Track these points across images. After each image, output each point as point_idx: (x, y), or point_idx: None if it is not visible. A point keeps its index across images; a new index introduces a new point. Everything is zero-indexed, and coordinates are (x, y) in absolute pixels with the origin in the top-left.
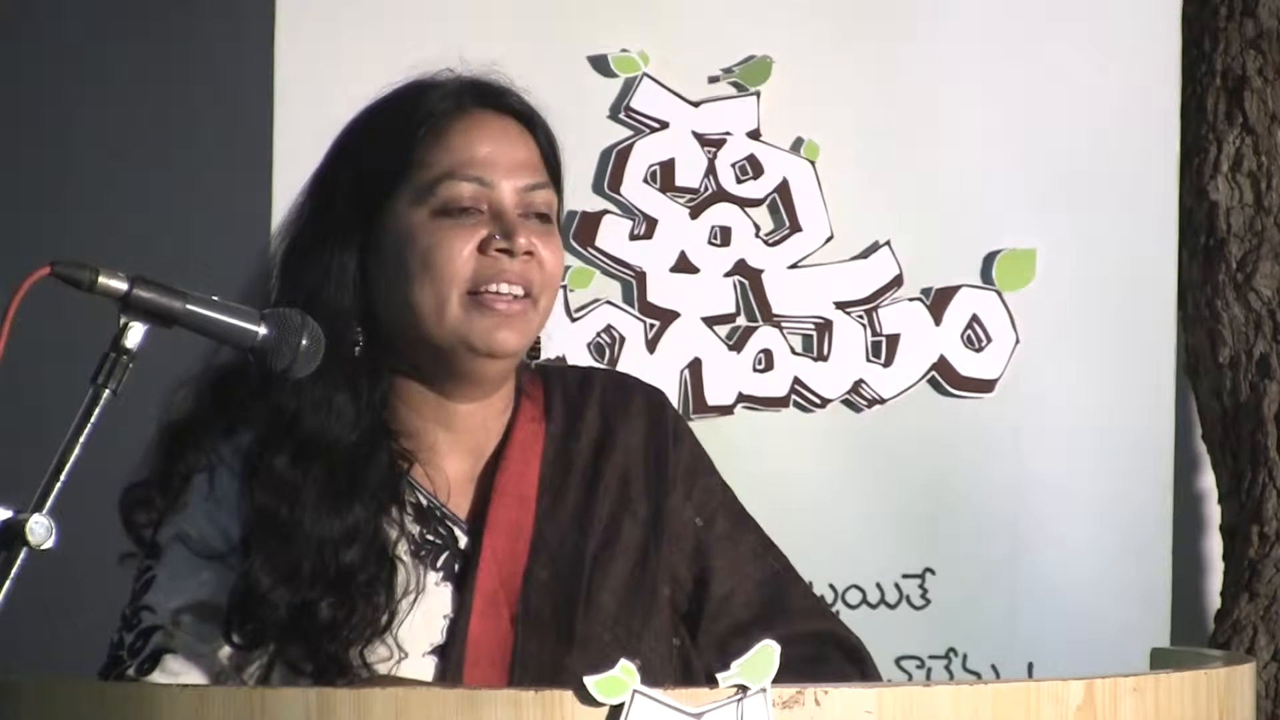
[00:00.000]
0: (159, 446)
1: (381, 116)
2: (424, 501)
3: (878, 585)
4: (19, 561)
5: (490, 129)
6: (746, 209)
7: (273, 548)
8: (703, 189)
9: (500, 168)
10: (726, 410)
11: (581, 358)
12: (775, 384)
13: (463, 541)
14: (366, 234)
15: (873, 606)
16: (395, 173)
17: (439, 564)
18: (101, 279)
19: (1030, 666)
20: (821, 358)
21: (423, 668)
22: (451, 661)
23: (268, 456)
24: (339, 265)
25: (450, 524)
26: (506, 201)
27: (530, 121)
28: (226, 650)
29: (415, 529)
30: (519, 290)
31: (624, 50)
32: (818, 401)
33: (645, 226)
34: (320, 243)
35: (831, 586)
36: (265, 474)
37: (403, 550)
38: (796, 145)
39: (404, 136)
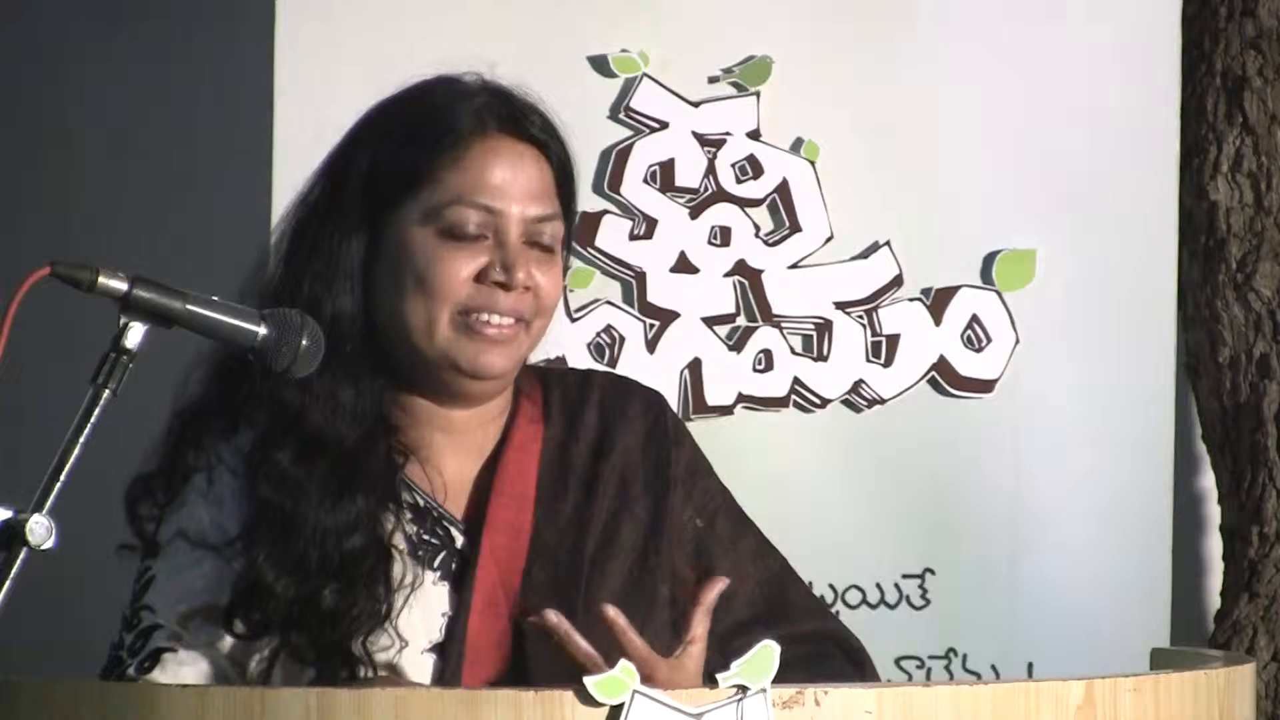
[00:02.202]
0: (168, 434)
1: (404, 117)
2: (421, 502)
3: (877, 585)
4: (19, 561)
5: (507, 156)
6: (746, 209)
7: (276, 541)
8: (703, 189)
9: (510, 196)
10: (726, 410)
11: (581, 358)
12: (775, 384)
13: (459, 542)
14: (370, 233)
15: (872, 607)
16: (407, 182)
17: (436, 564)
18: (101, 279)
19: (1030, 666)
20: (821, 358)
21: (421, 665)
22: (450, 660)
23: (271, 452)
24: (345, 261)
25: (447, 524)
26: (512, 231)
27: (548, 149)
28: (228, 647)
29: (412, 529)
30: (509, 320)
31: (624, 50)
32: (818, 402)
33: (645, 226)
34: (326, 235)
35: (831, 586)
36: (269, 470)
37: (399, 541)
38: (796, 145)
39: (422, 147)
